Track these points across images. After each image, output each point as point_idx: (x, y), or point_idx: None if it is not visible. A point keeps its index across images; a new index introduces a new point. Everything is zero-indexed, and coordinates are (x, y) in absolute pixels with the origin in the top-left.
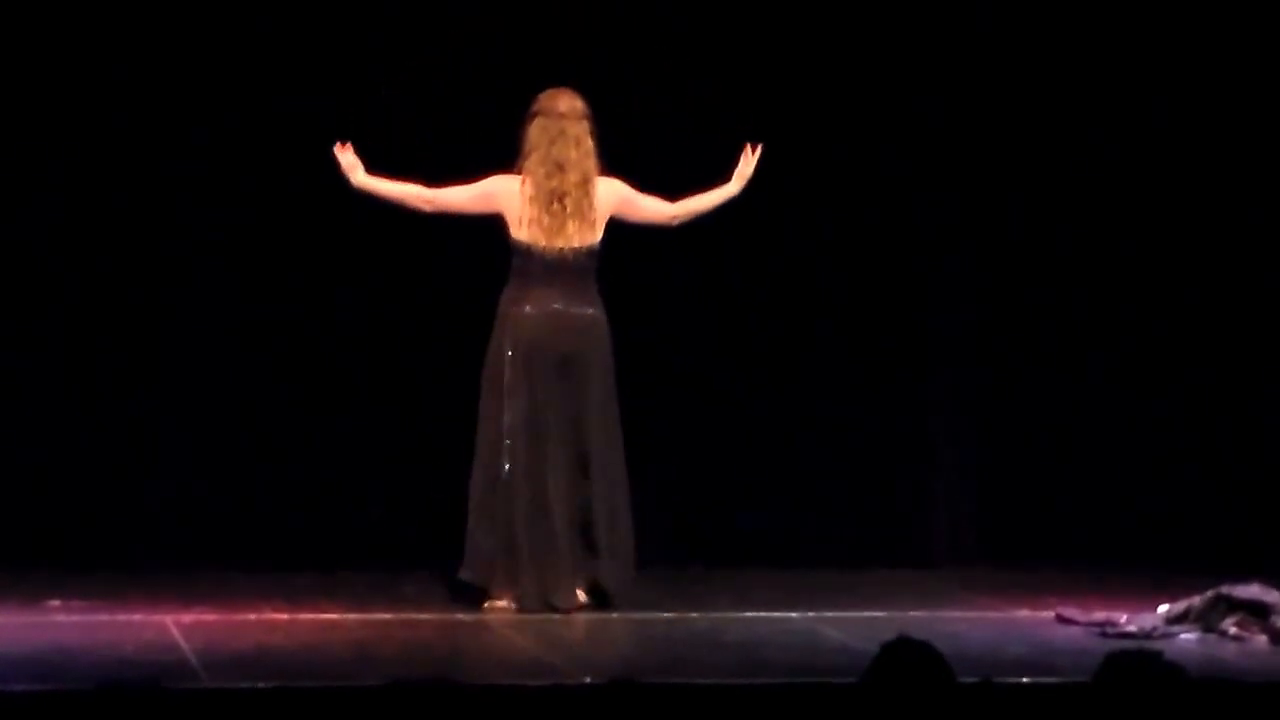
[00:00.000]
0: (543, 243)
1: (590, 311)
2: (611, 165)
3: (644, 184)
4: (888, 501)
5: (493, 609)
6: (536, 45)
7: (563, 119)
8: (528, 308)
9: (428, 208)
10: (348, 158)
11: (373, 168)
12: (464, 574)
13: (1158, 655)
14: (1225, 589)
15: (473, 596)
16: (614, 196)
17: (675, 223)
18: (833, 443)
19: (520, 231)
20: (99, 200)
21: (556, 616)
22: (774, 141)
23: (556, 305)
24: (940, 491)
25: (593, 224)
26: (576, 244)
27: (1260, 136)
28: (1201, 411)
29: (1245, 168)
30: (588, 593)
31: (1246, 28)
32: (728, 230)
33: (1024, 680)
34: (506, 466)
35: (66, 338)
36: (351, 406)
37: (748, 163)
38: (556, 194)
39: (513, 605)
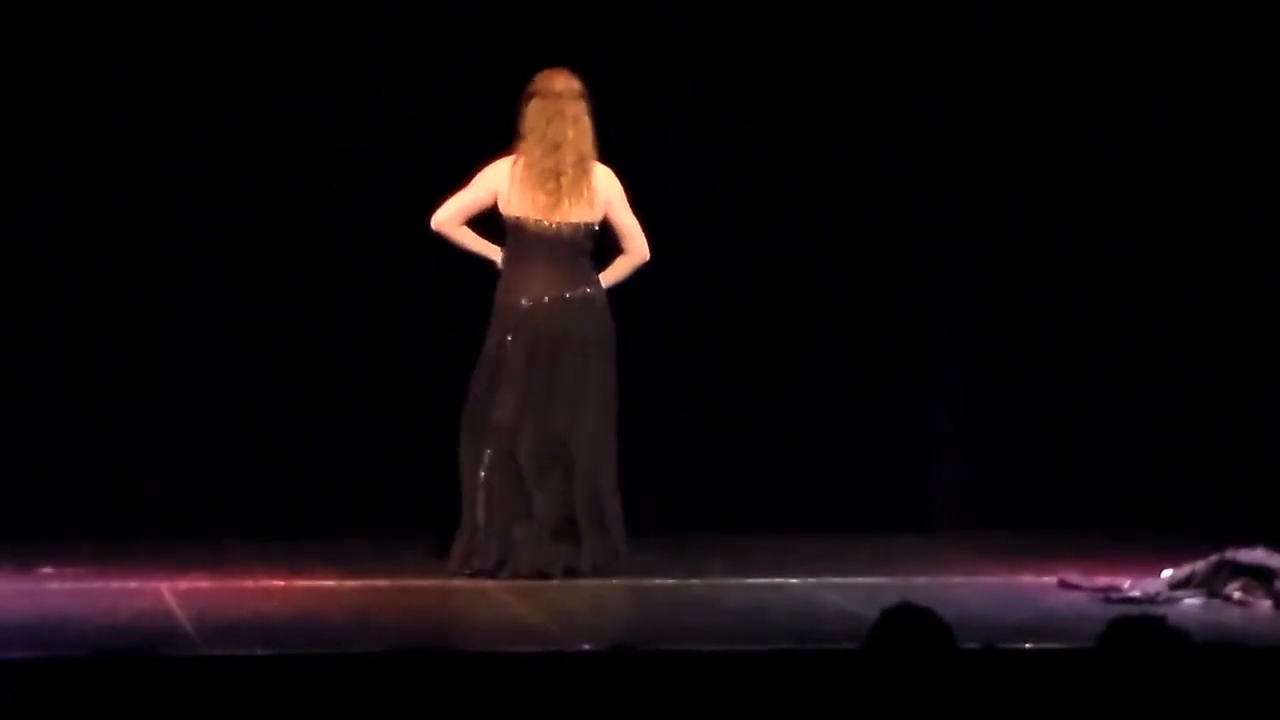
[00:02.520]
0: (535, 218)
1: (589, 291)
2: (612, 163)
3: (645, 181)
4: (888, 467)
5: (476, 578)
6: (535, 43)
7: (560, 99)
8: (524, 300)
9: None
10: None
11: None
12: (458, 559)
13: (1161, 620)
14: (1229, 554)
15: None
16: (613, 190)
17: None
18: (832, 408)
19: (510, 207)
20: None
21: (555, 583)
22: (776, 139)
23: (555, 290)
24: (941, 457)
25: (591, 203)
26: (574, 219)
27: (1260, 136)
28: (1205, 377)
29: (1245, 167)
30: (574, 573)
31: (1246, 28)
32: (731, 217)
33: (1026, 646)
34: (505, 447)
35: (59, 308)
36: (350, 373)
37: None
38: (552, 172)
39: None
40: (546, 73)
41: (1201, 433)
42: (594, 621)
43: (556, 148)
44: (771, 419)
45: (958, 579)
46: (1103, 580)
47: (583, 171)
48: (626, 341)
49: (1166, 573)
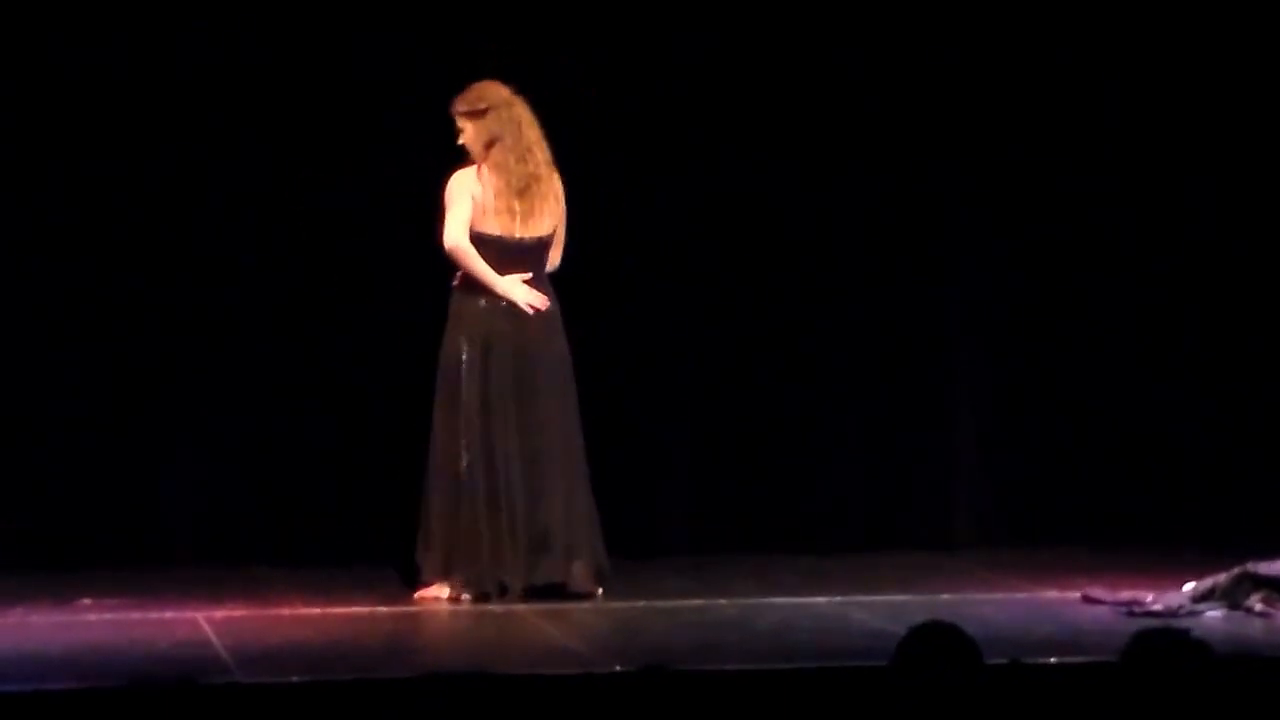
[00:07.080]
0: (516, 233)
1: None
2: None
3: (667, 196)
4: (912, 486)
5: (424, 599)
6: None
7: (511, 105)
8: (483, 301)
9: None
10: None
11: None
12: (422, 558)
13: (1184, 633)
14: (1250, 566)
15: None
16: (563, 197)
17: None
18: (856, 429)
19: (487, 222)
20: (108, 201)
21: (584, 605)
22: (787, 117)
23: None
24: (964, 475)
25: (554, 212)
26: (541, 233)
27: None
28: (1226, 390)
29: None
30: (548, 590)
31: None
32: (745, 213)
33: (1051, 660)
34: (465, 460)
35: (93, 341)
36: (385, 402)
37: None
38: (531, 177)
39: (451, 594)
40: (478, 86)
41: (1222, 447)
42: (626, 643)
43: (529, 151)
44: (797, 441)
45: (982, 595)
46: (1126, 594)
47: (550, 174)
48: (656, 364)
49: (1188, 586)
